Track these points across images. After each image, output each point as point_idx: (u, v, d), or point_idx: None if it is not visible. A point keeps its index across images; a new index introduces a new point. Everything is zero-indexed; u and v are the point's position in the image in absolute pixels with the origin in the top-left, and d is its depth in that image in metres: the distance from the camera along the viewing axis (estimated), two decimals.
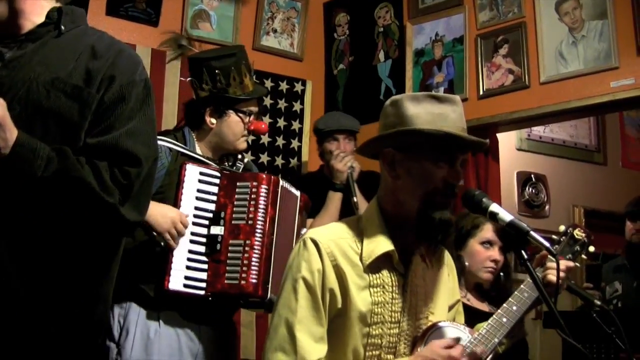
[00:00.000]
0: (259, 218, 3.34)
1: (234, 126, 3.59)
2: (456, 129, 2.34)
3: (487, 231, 3.48)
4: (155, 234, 3.26)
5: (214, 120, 3.59)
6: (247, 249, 3.29)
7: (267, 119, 5.54)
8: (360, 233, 2.44)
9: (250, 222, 3.34)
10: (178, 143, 3.52)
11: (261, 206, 3.36)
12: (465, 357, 2.37)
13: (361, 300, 2.35)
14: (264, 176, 3.45)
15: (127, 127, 2.14)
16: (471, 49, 5.07)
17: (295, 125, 5.64)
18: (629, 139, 7.81)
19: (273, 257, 3.36)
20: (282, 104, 5.67)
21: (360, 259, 2.39)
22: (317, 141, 4.55)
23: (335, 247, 2.38)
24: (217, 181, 3.44)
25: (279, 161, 5.58)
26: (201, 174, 3.43)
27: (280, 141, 5.55)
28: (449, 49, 5.19)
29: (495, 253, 3.47)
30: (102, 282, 2.26)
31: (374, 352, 2.39)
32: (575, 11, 4.55)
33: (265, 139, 5.54)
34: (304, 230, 3.68)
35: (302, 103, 5.73)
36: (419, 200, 2.34)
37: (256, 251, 3.29)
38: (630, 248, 5.52)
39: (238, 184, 3.42)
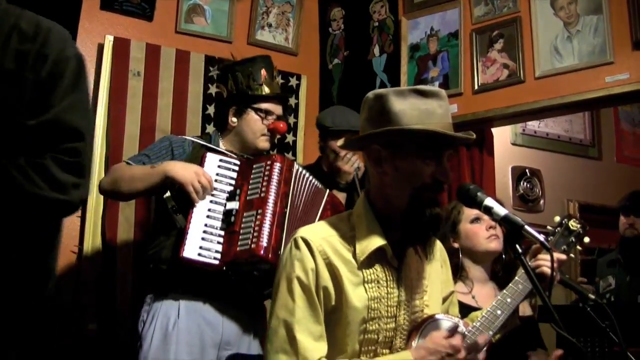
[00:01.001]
0: (272, 190, 3.44)
1: (252, 124, 3.75)
2: (443, 125, 2.34)
3: (470, 209, 3.49)
4: (178, 215, 3.42)
5: (235, 120, 3.78)
6: (258, 216, 3.37)
7: None
8: (352, 229, 2.45)
9: (262, 194, 3.43)
10: (200, 141, 3.75)
11: (274, 181, 3.46)
12: (467, 346, 2.38)
13: (357, 296, 2.36)
14: (278, 156, 3.58)
15: (65, 102, 2.13)
16: (466, 44, 5.07)
17: (291, 119, 5.61)
18: (623, 134, 7.82)
19: (286, 229, 3.42)
20: None
21: (354, 256, 2.39)
22: (319, 135, 4.54)
23: (327, 245, 2.38)
24: (236, 167, 3.59)
25: None
26: (221, 160, 3.58)
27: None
28: (444, 43, 5.18)
29: (488, 222, 3.48)
30: (49, 257, 2.27)
31: (370, 347, 2.40)
32: (570, 6, 4.55)
33: None
34: None
35: (297, 97, 5.71)
36: (407, 197, 2.35)
37: (268, 218, 3.36)
38: (623, 242, 5.54)
39: (254, 165, 3.56)
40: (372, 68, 5.62)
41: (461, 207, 3.54)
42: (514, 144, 6.95)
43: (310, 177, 3.72)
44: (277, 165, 3.50)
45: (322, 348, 2.33)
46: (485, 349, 2.52)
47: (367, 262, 2.39)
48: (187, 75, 5.08)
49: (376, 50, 5.63)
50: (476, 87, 4.96)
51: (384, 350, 2.43)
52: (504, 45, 4.85)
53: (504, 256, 3.54)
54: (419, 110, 2.34)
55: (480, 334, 2.53)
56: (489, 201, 2.33)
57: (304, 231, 2.43)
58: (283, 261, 2.42)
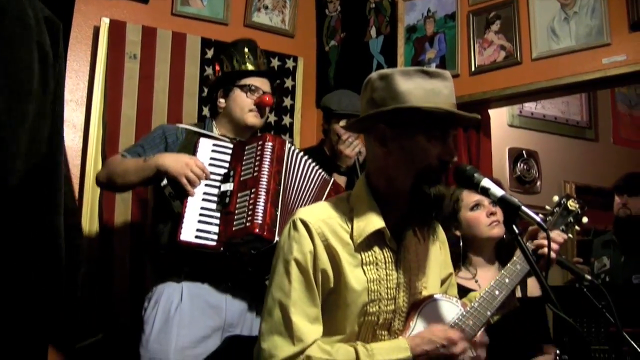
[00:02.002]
0: (264, 170, 3.43)
1: (239, 101, 3.76)
2: (448, 105, 2.34)
3: (469, 196, 3.50)
4: (175, 202, 3.43)
5: (223, 101, 3.81)
6: (252, 195, 3.37)
7: None
8: (350, 211, 2.44)
9: (255, 174, 3.44)
10: (193, 128, 3.76)
11: (266, 160, 3.46)
12: (464, 341, 2.38)
13: (355, 278, 2.36)
14: (270, 135, 3.60)
15: None
16: (463, 26, 5.06)
17: (287, 101, 5.62)
18: (620, 116, 7.82)
19: (280, 206, 3.42)
20: None
21: (351, 238, 2.39)
22: (323, 117, 4.53)
23: (326, 227, 2.38)
24: (229, 151, 3.60)
25: None
26: (214, 145, 3.60)
27: (272, 118, 5.53)
28: (440, 25, 5.17)
29: (488, 208, 3.48)
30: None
31: (369, 330, 2.40)
32: None
33: None
34: None
35: (293, 79, 5.71)
36: (413, 177, 2.34)
37: (261, 196, 3.36)
38: (617, 223, 5.55)
39: (246, 147, 3.57)
40: (369, 50, 5.60)
41: (460, 195, 3.54)
42: (510, 126, 6.95)
43: (306, 158, 3.70)
44: (269, 145, 3.50)
45: (317, 330, 2.33)
46: (482, 330, 2.53)
47: (366, 245, 2.39)
48: (184, 58, 5.07)
49: (373, 32, 5.61)
50: (473, 68, 4.96)
51: (383, 332, 2.43)
52: (501, 26, 4.84)
53: (504, 236, 3.54)
54: (424, 90, 2.34)
55: (474, 317, 2.53)
56: (486, 182, 2.33)
57: (302, 213, 2.42)
58: (281, 242, 2.41)
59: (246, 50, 3.84)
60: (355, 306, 2.36)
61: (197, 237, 3.35)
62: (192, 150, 3.56)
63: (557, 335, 3.42)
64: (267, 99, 3.77)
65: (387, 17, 5.54)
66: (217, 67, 3.94)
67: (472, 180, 2.35)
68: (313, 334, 2.30)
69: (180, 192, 3.46)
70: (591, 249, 5.78)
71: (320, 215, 2.41)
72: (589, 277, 3.05)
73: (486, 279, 3.45)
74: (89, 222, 4.58)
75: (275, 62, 5.64)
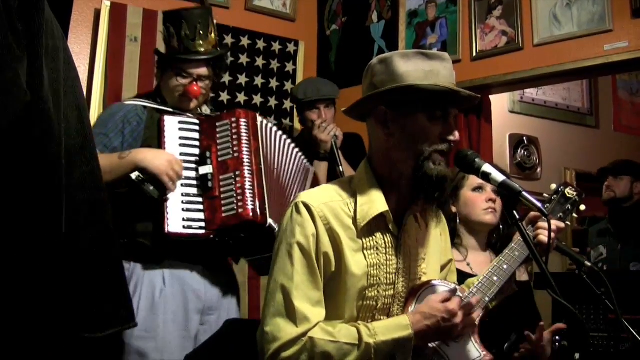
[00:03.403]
0: (244, 149, 3.38)
1: (169, 82, 3.57)
2: (448, 85, 2.34)
3: (474, 178, 3.49)
4: (146, 185, 3.27)
5: (159, 75, 3.65)
6: (237, 179, 3.32)
7: (259, 80, 5.54)
8: (353, 195, 2.43)
9: (236, 154, 3.37)
10: (150, 101, 3.56)
11: (244, 138, 3.40)
12: (462, 310, 2.38)
13: (356, 263, 2.36)
14: (241, 111, 3.49)
15: None
16: (465, 11, 5.05)
17: (288, 85, 5.62)
18: (621, 103, 7.81)
19: (266, 185, 3.38)
20: (274, 64, 5.65)
21: (354, 222, 2.39)
22: (296, 109, 4.54)
23: (328, 211, 2.37)
24: (196, 127, 3.48)
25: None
26: (180, 122, 3.46)
27: (272, 102, 5.54)
28: (442, 10, 5.16)
29: (489, 194, 3.48)
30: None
31: (368, 314, 2.41)
32: None
33: (257, 99, 5.53)
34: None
35: (294, 64, 5.70)
36: (415, 157, 2.34)
37: (247, 179, 3.32)
38: (611, 210, 5.56)
39: (217, 124, 3.46)
40: (370, 34, 5.60)
41: (467, 175, 3.54)
42: (511, 112, 6.94)
43: (276, 128, 3.66)
44: (243, 122, 3.43)
45: (319, 313, 2.33)
46: (480, 313, 2.53)
47: (368, 229, 2.39)
48: None
49: (374, 16, 5.61)
50: (474, 54, 4.95)
51: (382, 317, 2.43)
52: (503, 12, 4.83)
53: (501, 227, 3.54)
54: (424, 71, 2.34)
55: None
56: (487, 167, 2.32)
57: (305, 196, 2.42)
58: (283, 226, 2.41)
59: (197, 26, 3.53)
60: (354, 290, 2.36)
61: (185, 227, 3.29)
62: (157, 130, 3.43)
63: (555, 321, 3.41)
64: (195, 89, 3.52)
65: (388, 2, 5.53)
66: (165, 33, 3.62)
67: (473, 165, 2.35)
68: (316, 317, 2.30)
69: (150, 174, 3.31)
70: (587, 238, 5.80)
71: (322, 198, 2.40)
72: (588, 263, 3.05)
73: (478, 263, 3.45)
74: None
75: (276, 46, 5.63)
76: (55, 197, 1.90)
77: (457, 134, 2.38)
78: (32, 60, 1.84)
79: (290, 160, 3.71)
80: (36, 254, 1.86)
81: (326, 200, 2.39)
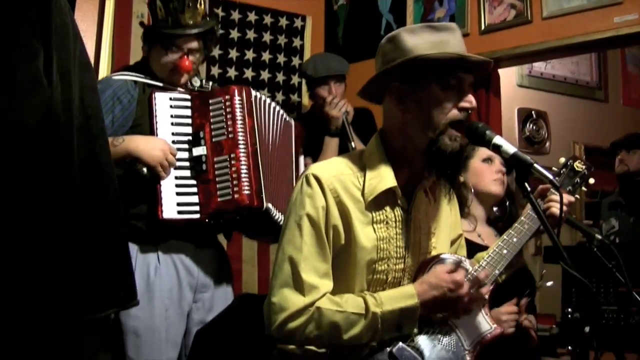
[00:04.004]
0: (239, 129, 3.32)
1: (157, 58, 3.48)
2: (459, 52, 2.33)
3: (485, 149, 3.49)
4: (139, 165, 3.23)
5: (146, 49, 3.55)
6: (233, 162, 3.28)
7: (267, 55, 5.52)
8: (363, 168, 2.43)
9: (230, 135, 3.32)
10: (141, 75, 3.47)
11: (238, 118, 3.34)
12: (468, 282, 2.39)
13: (365, 236, 2.36)
14: (235, 87, 3.41)
15: None
16: None
17: (296, 61, 5.61)
18: (630, 76, 7.78)
19: (261, 166, 3.34)
20: (282, 39, 5.63)
21: (363, 195, 2.39)
22: (306, 85, 4.53)
23: (338, 183, 2.37)
24: (188, 104, 3.41)
25: (280, 97, 5.57)
26: (171, 99, 3.39)
27: (280, 77, 5.53)
28: None
29: (498, 166, 3.51)
30: None
31: (378, 288, 2.41)
32: None
33: (265, 75, 5.51)
34: (302, 158, 3.69)
35: (302, 39, 5.69)
36: (432, 130, 2.33)
37: (243, 162, 3.28)
38: (623, 184, 5.55)
39: (210, 101, 3.39)
40: (378, 9, 5.57)
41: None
42: (520, 86, 6.91)
43: (272, 103, 3.58)
44: (237, 99, 3.35)
45: (327, 284, 2.33)
46: (490, 286, 2.54)
47: (377, 203, 2.39)
48: None
49: None
50: (483, 27, 4.92)
51: None
52: None
53: (507, 204, 3.56)
54: (432, 42, 2.33)
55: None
56: (498, 139, 2.31)
57: (315, 168, 2.41)
58: (293, 198, 2.41)
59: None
60: (363, 263, 2.36)
61: (179, 212, 3.26)
62: (147, 107, 3.36)
63: (565, 294, 3.42)
64: (186, 64, 3.43)
65: None
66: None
67: (484, 137, 2.33)
68: (323, 288, 2.31)
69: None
70: (599, 210, 5.79)
71: (332, 171, 2.40)
72: (599, 236, 3.04)
73: (486, 234, 3.50)
74: None
75: (283, 22, 5.61)
76: (63, 180, 1.89)
77: (473, 100, 2.36)
78: (45, 46, 1.84)
79: (285, 135, 3.67)
80: (39, 232, 1.85)
81: (336, 173, 2.39)
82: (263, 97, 3.53)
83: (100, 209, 2.03)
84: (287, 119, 3.69)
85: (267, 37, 5.54)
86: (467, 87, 2.38)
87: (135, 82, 3.43)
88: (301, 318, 2.28)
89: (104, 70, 4.69)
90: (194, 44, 3.47)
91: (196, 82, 3.64)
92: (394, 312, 2.30)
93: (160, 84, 3.47)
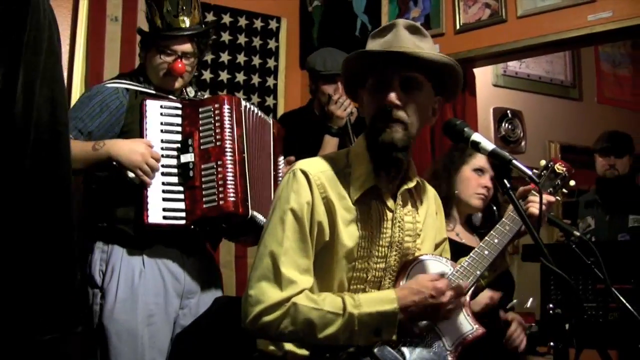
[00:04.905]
0: (227, 137, 3.31)
1: (153, 62, 3.49)
2: (397, 48, 2.34)
3: (480, 159, 3.52)
4: (127, 172, 3.23)
5: (142, 54, 3.56)
6: (219, 169, 3.27)
7: (242, 57, 5.50)
8: (349, 166, 2.45)
9: (218, 143, 3.31)
10: (133, 82, 3.48)
11: (227, 126, 3.33)
12: (451, 290, 2.38)
13: (348, 233, 2.36)
14: (225, 97, 3.42)
15: None
16: None
17: (271, 63, 5.59)
18: (604, 75, 7.81)
19: (248, 175, 3.34)
20: (256, 41, 5.61)
21: (349, 193, 2.39)
22: (310, 78, 4.48)
23: (325, 180, 2.38)
24: (179, 112, 3.40)
25: (255, 99, 5.55)
26: (162, 107, 3.39)
27: (255, 79, 5.51)
28: None
29: (486, 180, 3.53)
30: None
31: (359, 286, 2.41)
32: None
33: (240, 77, 5.49)
34: (281, 158, 3.67)
35: (277, 40, 5.67)
36: (368, 130, 2.42)
37: (229, 169, 3.27)
38: (602, 183, 5.55)
39: (200, 109, 3.38)
40: (353, 9, 5.56)
41: (476, 153, 3.54)
42: (495, 85, 6.92)
43: (257, 110, 3.58)
44: (227, 108, 3.35)
45: (306, 280, 2.33)
46: (470, 292, 2.53)
47: (362, 201, 2.40)
48: None
49: None
50: (458, 27, 4.93)
51: (373, 290, 2.43)
52: None
53: (494, 208, 3.59)
54: (379, 43, 2.41)
55: (464, 276, 2.53)
56: (476, 136, 2.31)
57: (303, 164, 2.42)
58: (279, 192, 2.41)
59: (180, 2, 3.45)
60: (344, 261, 2.37)
61: (165, 217, 3.25)
62: (138, 114, 3.36)
63: (544, 293, 3.42)
64: (179, 67, 3.44)
65: None
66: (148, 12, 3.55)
67: (462, 134, 2.33)
68: (302, 284, 2.30)
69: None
70: (577, 209, 5.79)
71: (320, 167, 2.41)
72: (577, 233, 3.05)
73: (464, 234, 3.55)
74: None
75: (258, 23, 5.60)
76: (16, 200, 1.84)
77: (391, 95, 2.33)
78: (10, 60, 1.80)
79: (267, 142, 3.65)
80: None
81: (324, 169, 2.40)
82: (251, 107, 3.53)
83: (54, 230, 1.96)
84: (269, 122, 3.67)
85: (242, 39, 5.52)
86: (391, 84, 2.36)
87: (127, 89, 3.43)
88: (276, 312, 2.27)
89: (78, 73, 4.66)
90: (187, 47, 3.47)
91: (191, 92, 3.66)
92: (372, 315, 2.29)
93: (153, 92, 3.47)
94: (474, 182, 3.54)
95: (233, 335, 2.58)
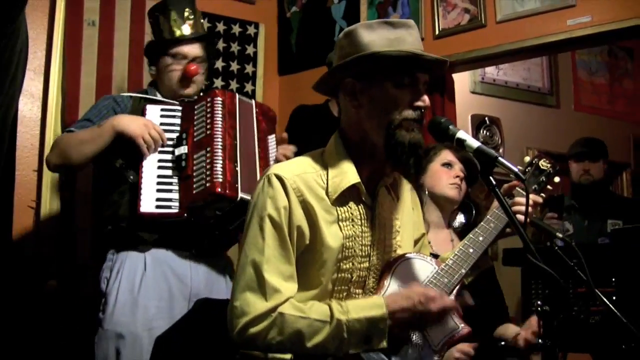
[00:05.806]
0: (217, 125, 3.37)
1: (166, 71, 3.62)
2: (414, 50, 2.32)
3: (447, 154, 3.52)
4: (128, 172, 3.36)
5: (154, 68, 3.69)
6: (208, 155, 3.31)
7: (220, 63, 5.47)
8: (325, 167, 2.42)
9: (209, 132, 3.37)
10: (138, 95, 3.63)
11: (218, 116, 3.39)
12: (442, 301, 2.35)
13: (331, 234, 2.33)
14: (218, 91, 3.51)
15: None
16: None
17: (249, 68, 5.57)
18: (581, 82, 7.85)
19: (239, 162, 3.36)
20: (234, 47, 5.58)
21: (327, 193, 2.36)
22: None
23: (301, 182, 2.34)
24: (178, 113, 3.50)
25: None
26: (162, 110, 3.50)
27: (233, 85, 5.48)
28: None
29: (457, 172, 3.50)
30: None
31: (343, 287, 2.38)
32: None
33: (218, 82, 5.47)
34: (271, 137, 3.68)
35: (255, 46, 5.65)
36: (386, 127, 2.32)
37: (217, 154, 3.30)
38: (577, 189, 5.57)
39: (196, 106, 3.48)
40: (331, 15, 5.56)
41: (440, 151, 3.55)
42: (473, 92, 6.93)
43: (246, 99, 3.67)
44: (218, 100, 3.43)
45: (291, 288, 2.30)
46: (455, 292, 2.52)
47: (341, 200, 2.37)
48: (144, 25, 4.94)
49: None
50: (437, 32, 4.92)
51: (357, 290, 2.41)
52: None
53: (474, 211, 3.58)
54: (388, 39, 2.34)
55: (449, 274, 2.51)
56: (461, 134, 2.31)
57: (277, 168, 2.39)
58: (255, 198, 2.37)
59: (174, 14, 3.63)
60: (329, 262, 2.34)
61: (157, 207, 3.30)
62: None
63: (525, 297, 3.42)
64: (192, 68, 3.59)
65: None
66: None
67: (447, 131, 2.33)
68: (287, 292, 2.27)
69: (132, 161, 3.39)
70: (563, 203, 5.79)
71: (295, 170, 2.37)
72: (560, 235, 3.04)
73: (438, 240, 3.48)
74: (49, 195, 4.48)
75: (236, 29, 5.57)
76: None
77: (426, 99, 2.37)
78: None
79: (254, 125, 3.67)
80: None
81: (299, 172, 2.37)
82: (249, 101, 3.64)
83: None
84: (245, 100, 3.68)
85: (220, 44, 5.49)
86: (422, 86, 2.37)
87: (131, 96, 3.60)
88: (263, 323, 2.24)
89: (55, 78, 4.60)
90: (198, 51, 3.63)
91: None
92: (361, 321, 2.26)
93: (154, 98, 3.59)
94: (444, 175, 3.53)
95: (213, 338, 2.55)
